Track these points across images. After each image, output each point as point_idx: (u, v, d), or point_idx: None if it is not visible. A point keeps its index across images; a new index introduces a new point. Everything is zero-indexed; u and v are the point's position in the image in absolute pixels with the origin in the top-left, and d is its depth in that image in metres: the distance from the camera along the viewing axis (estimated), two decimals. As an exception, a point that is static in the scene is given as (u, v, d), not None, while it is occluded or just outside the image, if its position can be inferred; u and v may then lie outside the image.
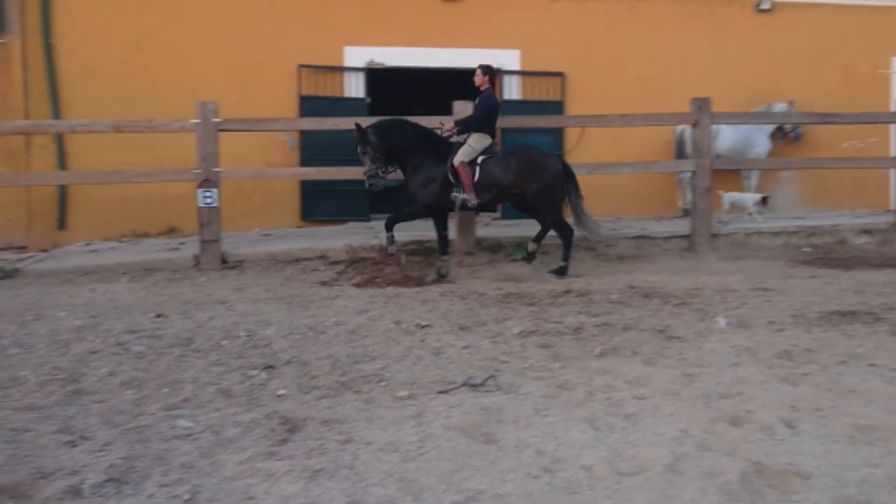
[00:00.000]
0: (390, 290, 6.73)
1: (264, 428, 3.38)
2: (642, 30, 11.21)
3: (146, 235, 9.93)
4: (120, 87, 9.78)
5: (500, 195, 7.35)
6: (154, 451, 3.13)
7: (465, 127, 7.29)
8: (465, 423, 3.43)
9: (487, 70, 7.34)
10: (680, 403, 3.69)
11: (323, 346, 4.80)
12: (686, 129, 10.14)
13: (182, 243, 9.00)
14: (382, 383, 4.03)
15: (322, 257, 8.06)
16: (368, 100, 10.56)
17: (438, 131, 7.42)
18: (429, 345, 4.80)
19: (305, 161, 10.11)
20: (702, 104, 8.53)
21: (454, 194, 7.08)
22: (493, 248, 8.14)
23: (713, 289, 6.51)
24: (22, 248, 9.78)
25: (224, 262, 7.93)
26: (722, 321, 5.30)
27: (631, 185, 10.76)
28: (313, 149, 10.18)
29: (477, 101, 7.32)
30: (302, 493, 2.74)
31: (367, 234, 8.79)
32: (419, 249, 8.09)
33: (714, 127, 8.88)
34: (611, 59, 11.09)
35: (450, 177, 7.10)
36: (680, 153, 10.68)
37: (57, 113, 9.82)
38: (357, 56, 10.53)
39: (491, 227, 7.75)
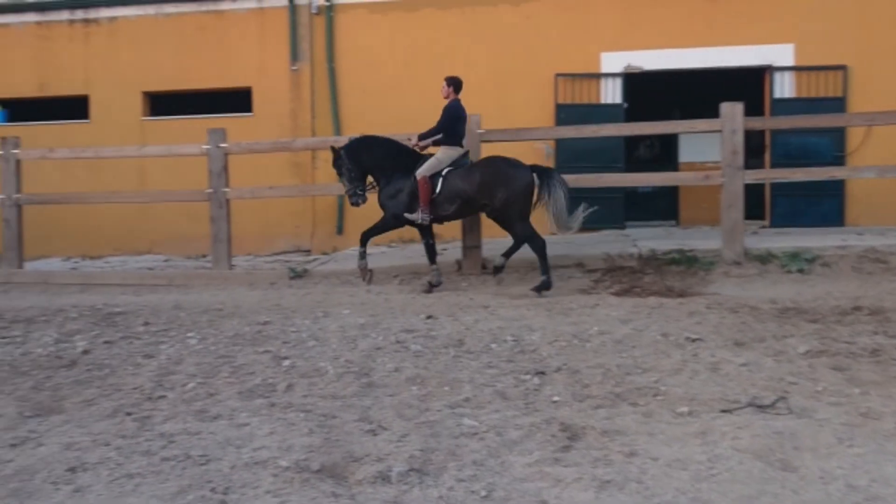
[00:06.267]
0: (652, 300, 6.55)
1: (545, 433, 3.43)
2: (945, 11, 9.82)
3: (411, 241, 10.63)
4: (390, 103, 10.65)
5: (465, 206, 7.37)
6: (445, 446, 3.31)
7: (429, 139, 7.50)
8: (756, 446, 3.21)
9: (452, 81, 7.51)
10: None
11: (590, 355, 4.79)
12: None
13: (444, 249, 9.50)
14: (659, 397, 3.91)
15: (579, 265, 8.04)
16: (625, 105, 10.38)
17: (408, 142, 7.65)
18: (703, 360, 4.58)
19: (560, 168, 10.09)
20: None
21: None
22: (763, 258, 7.57)
23: None
24: (307, 252, 11.00)
25: (483, 267, 8.23)
26: None
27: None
28: (568, 156, 10.22)
29: (442, 112, 7.40)
30: (593, 502, 2.73)
31: (623, 243, 8.63)
32: (680, 258, 7.77)
33: None
34: (903, 48, 9.85)
35: (416, 189, 7.30)
36: None
37: (338, 129, 10.93)
38: (614, 61, 10.41)
39: (759, 235, 7.19)
